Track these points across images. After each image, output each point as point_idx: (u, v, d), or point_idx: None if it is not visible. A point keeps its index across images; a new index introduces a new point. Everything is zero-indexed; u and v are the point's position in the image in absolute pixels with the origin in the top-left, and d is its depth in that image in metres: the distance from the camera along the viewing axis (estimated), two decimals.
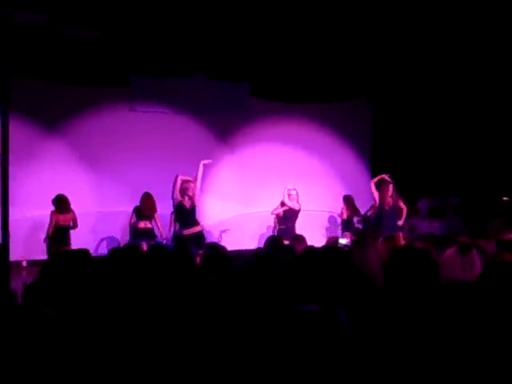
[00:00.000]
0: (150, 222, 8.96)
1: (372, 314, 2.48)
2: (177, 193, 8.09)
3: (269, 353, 1.92)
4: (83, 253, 4.17)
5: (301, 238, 5.43)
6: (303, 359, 1.71)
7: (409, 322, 2.34)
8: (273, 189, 9.89)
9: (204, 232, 8.41)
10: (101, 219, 9.61)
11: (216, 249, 4.68)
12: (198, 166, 8.38)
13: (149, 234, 8.86)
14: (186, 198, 8.17)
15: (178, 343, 2.52)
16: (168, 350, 2.48)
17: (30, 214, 8.99)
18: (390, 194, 8.90)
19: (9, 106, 6.16)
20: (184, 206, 8.13)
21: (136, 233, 8.85)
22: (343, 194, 10.55)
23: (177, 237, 8.20)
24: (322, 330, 1.75)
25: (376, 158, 11.63)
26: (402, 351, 2.21)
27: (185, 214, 8.15)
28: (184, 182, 8.22)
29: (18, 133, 8.26)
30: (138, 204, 8.94)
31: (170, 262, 4.14)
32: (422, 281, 2.73)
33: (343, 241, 8.34)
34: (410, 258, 2.87)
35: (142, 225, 8.88)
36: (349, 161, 11.48)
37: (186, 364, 2.40)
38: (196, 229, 8.18)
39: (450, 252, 3.26)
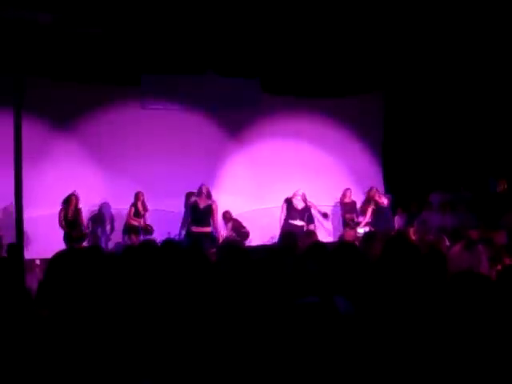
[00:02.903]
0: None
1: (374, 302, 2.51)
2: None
3: (271, 345, 1.95)
4: (95, 249, 4.22)
5: (310, 233, 5.48)
6: (303, 348, 1.75)
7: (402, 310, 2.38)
8: (284, 184, 9.90)
9: (215, 233, 8.48)
10: (113, 216, 9.68)
11: (233, 244, 4.73)
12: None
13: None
14: (203, 196, 8.23)
15: (188, 333, 2.55)
16: (178, 338, 2.51)
17: (44, 212, 9.08)
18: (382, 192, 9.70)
19: (21, 106, 6.21)
20: (198, 205, 8.19)
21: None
22: (354, 188, 10.58)
23: (189, 234, 8.28)
24: (319, 319, 1.79)
25: (388, 152, 11.59)
26: (398, 340, 2.23)
27: (197, 213, 8.22)
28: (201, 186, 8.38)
29: (31, 132, 8.33)
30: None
31: (183, 258, 4.18)
32: (410, 270, 2.77)
33: (361, 230, 8.45)
34: (397, 250, 2.91)
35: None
36: (360, 155, 11.44)
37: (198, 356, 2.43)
38: (206, 229, 8.24)
39: (456, 248, 3.27)
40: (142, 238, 8.80)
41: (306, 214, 9.42)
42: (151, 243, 5.23)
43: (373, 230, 8.85)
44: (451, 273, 2.97)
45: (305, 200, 9.31)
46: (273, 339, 2.11)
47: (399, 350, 2.25)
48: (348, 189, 10.54)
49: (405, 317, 2.41)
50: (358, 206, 10.42)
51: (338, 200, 10.68)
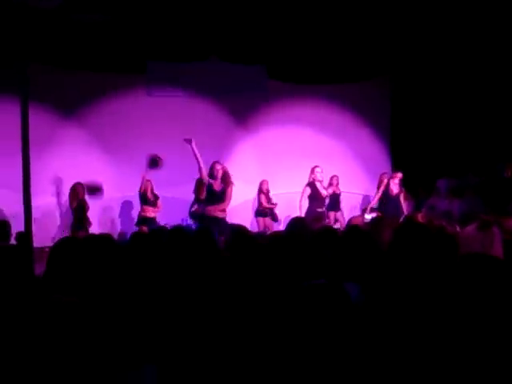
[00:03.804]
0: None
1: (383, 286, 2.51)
2: (205, 175, 8.20)
3: (277, 329, 1.95)
4: (106, 238, 4.22)
5: (320, 218, 5.49)
6: (311, 329, 1.74)
7: (411, 292, 2.36)
8: (291, 171, 9.89)
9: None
10: (120, 204, 9.71)
11: (240, 229, 4.72)
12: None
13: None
14: (218, 180, 8.22)
15: (199, 318, 2.55)
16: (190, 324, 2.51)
17: (51, 200, 9.13)
18: (396, 181, 9.37)
19: (28, 94, 6.19)
20: (213, 187, 8.18)
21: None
22: (362, 174, 10.55)
23: (199, 216, 8.27)
24: (327, 300, 1.78)
25: (395, 138, 11.54)
26: (406, 324, 2.22)
27: (214, 196, 8.21)
28: (213, 163, 8.32)
29: (37, 120, 8.33)
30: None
31: (192, 244, 4.18)
32: (421, 254, 2.76)
33: (369, 216, 8.39)
34: (409, 233, 2.90)
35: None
36: (368, 141, 11.41)
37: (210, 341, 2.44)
38: (221, 207, 8.22)
39: (469, 228, 3.24)
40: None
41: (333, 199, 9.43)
42: (162, 230, 5.25)
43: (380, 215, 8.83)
44: (463, 253, 2.95)
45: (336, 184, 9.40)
46: (279, 323, 2.10)
47: (410, 334, 2.24)
48: (384, 173, 10.11)
49: (416, 301, 2.40)
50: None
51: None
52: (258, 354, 2.29)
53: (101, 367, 1.60)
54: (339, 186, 10.12)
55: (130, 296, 2.92)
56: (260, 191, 9.99)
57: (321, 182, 9.07)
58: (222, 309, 2.70)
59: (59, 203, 9.18)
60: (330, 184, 9.76)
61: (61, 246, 3.19)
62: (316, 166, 9.08)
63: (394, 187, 9.34)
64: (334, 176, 9.96)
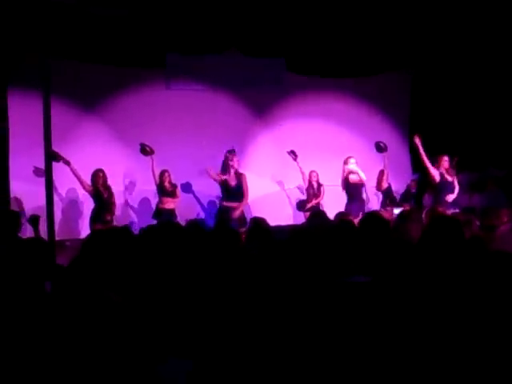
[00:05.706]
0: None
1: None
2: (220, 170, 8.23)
3: (318, 324, 1.93)
4: (125, 230, 4.25)
5: (345, 215, 5.52)
6: (353, 328, 1.72)
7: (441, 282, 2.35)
8: (310, 164, 9.86)
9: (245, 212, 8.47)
10: (140, 197, 9.75)
11: (258, 222, 4.73)
12: (234, 143, 8.48)
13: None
14: (232, 173, 8.22)
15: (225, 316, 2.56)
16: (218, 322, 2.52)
17: (71, 194, 9.22)
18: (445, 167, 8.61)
19: (50, 89, 6.25)
20: (228, 182, 8.18)
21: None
22: (381, 168, 10.48)
23: (219, 210, 8.28)
24: (372, 299, 1.75)
25: (415, 132, 11.43)
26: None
27: (229, 191, 8.23)
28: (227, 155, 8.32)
29: (58, 114, 8.39)
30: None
31: (211, 237, 4.18)
32: (451, 246, 2.75)
33: (397, 211, 8.25)
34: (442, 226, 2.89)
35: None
36: (387, 134, 11.30)
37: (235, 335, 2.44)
38: (236, 204, 8.21)
39: (503, 228, 3.23)
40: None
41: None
42: (174, 224, 5.26)
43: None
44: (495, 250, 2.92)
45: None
46: (314, 317, 2.09)
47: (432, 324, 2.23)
48: (444, 157, 8.73)
49: (440, 294, 2.38)
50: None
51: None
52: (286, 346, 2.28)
53: (131, 360, 1.61)
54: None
55: (152, 290, 2.94)
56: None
57: (356, 173, 8.79)
58: (246, 303, 2.70)
59: (78, 197, 9.26)
60: (382, 180, 9.39)
61: (86, 241, 3.22)
62: (349, 157, 8.83)
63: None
64: (384, 170, 9.57)
